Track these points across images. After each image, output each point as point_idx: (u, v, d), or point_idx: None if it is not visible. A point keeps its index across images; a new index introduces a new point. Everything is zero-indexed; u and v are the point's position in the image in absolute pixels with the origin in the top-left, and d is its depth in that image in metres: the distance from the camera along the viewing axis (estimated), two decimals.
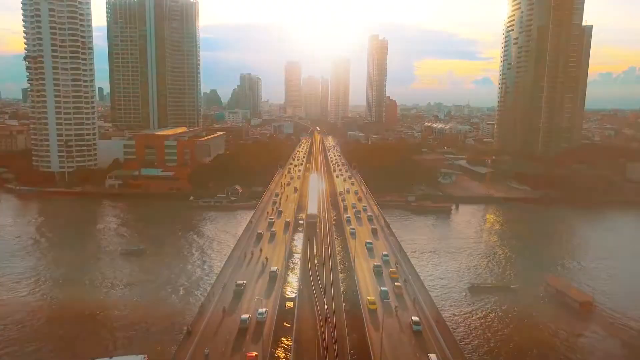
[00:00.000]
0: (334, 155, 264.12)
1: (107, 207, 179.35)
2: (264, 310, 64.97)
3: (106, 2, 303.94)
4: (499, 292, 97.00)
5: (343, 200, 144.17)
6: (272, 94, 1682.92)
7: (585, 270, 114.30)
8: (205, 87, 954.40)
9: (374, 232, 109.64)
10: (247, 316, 63.41)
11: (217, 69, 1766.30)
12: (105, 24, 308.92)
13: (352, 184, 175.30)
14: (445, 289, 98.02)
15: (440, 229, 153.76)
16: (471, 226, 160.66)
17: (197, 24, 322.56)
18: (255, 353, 55.38)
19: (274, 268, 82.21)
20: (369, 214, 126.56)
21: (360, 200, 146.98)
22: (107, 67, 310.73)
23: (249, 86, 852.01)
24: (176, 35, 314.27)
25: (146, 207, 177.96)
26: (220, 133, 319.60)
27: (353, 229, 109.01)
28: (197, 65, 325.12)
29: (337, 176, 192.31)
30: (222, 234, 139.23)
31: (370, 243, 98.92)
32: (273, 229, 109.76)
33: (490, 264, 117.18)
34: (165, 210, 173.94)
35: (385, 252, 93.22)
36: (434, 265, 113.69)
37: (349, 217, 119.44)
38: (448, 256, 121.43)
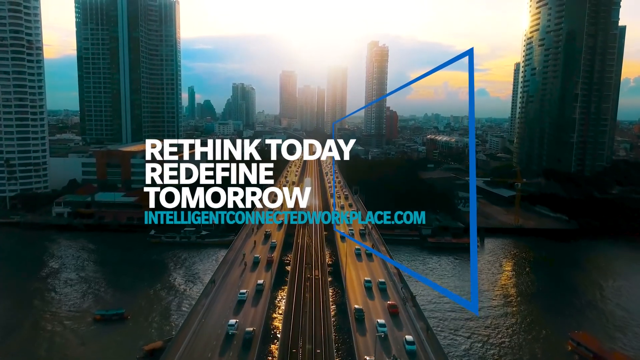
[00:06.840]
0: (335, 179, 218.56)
1: (46, 243, 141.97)
2: None
3: (75, 1, 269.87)
4: None
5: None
6: (268, 104, 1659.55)
7: None
8: (200, 98, 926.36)
9: None
10: None
11: (214, 80, 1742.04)
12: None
13: (369, 257, 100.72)
14: None
15: (469, 279, 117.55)
16: (506, 272, 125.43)
17: (178, 27, 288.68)
18: None
19: None
20: None
21: (395, 314, 70.84)
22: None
23: (241, 96, 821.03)
24: (154, 39, 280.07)
25: (94, 244, 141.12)
26: None
27: None
28: (177, 72, 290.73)
29: (342, 238, 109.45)
30: (179, 300, 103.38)
31: None
32: None
33: (558, 347, 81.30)
34: (118, 248, 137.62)
35: None
36: (480, 352, 77.66)
37: None
38: (492, 331, 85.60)
